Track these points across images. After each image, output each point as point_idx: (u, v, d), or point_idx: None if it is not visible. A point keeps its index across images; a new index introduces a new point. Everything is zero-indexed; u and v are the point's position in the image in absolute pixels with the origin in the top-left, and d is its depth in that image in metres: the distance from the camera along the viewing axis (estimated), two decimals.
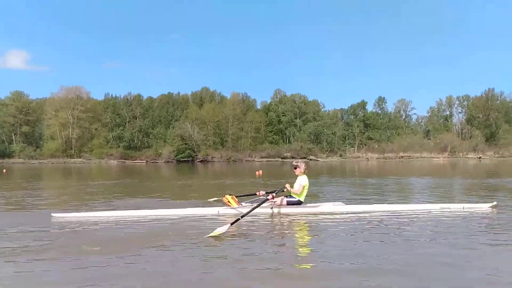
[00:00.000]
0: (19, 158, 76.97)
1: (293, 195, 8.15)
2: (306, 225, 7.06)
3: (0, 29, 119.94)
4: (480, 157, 73.09)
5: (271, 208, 7.93)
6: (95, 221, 7.36)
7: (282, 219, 7.57)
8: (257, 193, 8.55)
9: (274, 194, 7.88)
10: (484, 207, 8.36)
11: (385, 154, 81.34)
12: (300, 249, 5.50)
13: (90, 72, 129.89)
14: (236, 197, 8.28)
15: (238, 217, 6.58)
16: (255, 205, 7.48)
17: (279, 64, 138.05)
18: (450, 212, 8.01)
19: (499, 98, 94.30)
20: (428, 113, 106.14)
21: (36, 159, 76.62)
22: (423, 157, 75.91)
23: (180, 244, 5.50)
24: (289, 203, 8.06)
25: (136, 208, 8.60)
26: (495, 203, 8.44)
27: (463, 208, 8.33)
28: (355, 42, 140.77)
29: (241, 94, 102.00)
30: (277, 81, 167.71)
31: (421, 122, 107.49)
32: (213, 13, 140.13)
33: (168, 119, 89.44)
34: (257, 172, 26.28)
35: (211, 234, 5.85)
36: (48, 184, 20.48)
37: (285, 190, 8.13)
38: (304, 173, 8.36)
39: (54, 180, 24.73)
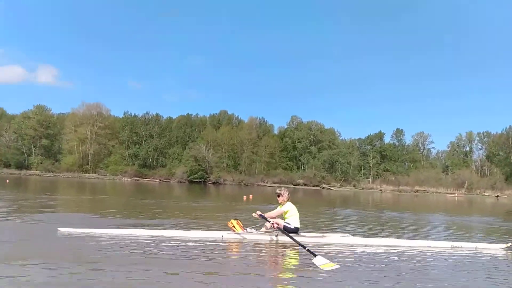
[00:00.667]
0: (37, 170, 78.66)
1: (287, 222, 8.04)
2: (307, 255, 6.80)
3: (32, 45, 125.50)
4: (498, 196, 71.06)
5: (276, 235, 7.86)
6: (99, 237, 7.44)
7: (283, 248, 7.43)
8: (253, 214, 8.27)
9: (263, 216, 7.91)
10: (498, 248, 7.98)
11: (400, 187, 79.79)
12: (295, 281, 5.24)
13: (112, 89, 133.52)
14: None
15: (306, 248, 6.48)
16: (262, 231, 7.76)
17: (297, 93, 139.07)
18: (461, 251, 7.66)
19: None
20: (448, 148, 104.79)
21: (52, 172, 78.10)
22: (439, 192, 74.15)
23: (175, 266, 5.51)
24: (285, 229, 7.90)
25: (141, 227, 8.68)
26: (510, 244, 8.02)
27: (476, 247, 7.98)
28: (374, 73, 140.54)
29: (258, 119, 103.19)
30: (295, 108, 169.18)
31: (441, 156, 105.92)
32: (235, 40, 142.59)
33: (185, 140, 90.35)
34: (244, 197, 26.18)
35: (325, 268, 5.63)
36: (58, 198, 20.80)
37: (259, 216, 8.04)
38: (287, 200, 8.31)
39: (63, 193, 25.19)
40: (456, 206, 35.00)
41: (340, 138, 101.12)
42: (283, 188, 8.69)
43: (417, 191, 76.61)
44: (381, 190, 76.59)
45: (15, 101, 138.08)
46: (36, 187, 31.68)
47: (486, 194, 74.22)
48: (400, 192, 75.42)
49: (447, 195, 68.24)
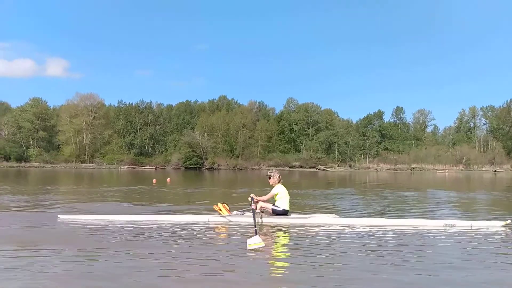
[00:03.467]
0: (36, 162, 79.88)
1: (277, 205, 8.07)
2: (291, 236, 6.75)
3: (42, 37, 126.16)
4: (495, 170, 69.79)
5: (261, 217, 7.80)
6: (97, 223, 7.72)
7: (268, 229, 7.32)
8: (249, 198, 8.04)
9: (254, 200, 7.84)
10: (496, 225, 7.35)
11: (397, 166, 78.92)
12: (276, 262, 5.19)
13: (120, 79, 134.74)
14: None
15: (255, 228, 6.31)
16: (249, 213, 7.61)
17: (294, 73, 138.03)
18: (454, 230, 7.14)
19: None
20: (455, 124, 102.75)
21: (51, 164, 79.21)
22: (436, 170, 73.09)
23: (158, 249, 5.57)
24: (274, 212, 7.99)
25: (134, 213, 8.98)
26: (509, 221, 7.33)
27: (471, 226, 7.36)
28: (374, 54, 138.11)
29: (257, 103, 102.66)
30: (293, 91, 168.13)
31: (449, 133, 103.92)
32: (238, 28, 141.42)
33: (185, 127, 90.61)
34: (154, 180, 26.17)
35: (252, 248, 5.57)
36: (55, 187, 20.95)
37: (250, 199, 7.96)
38: (279, 182, 8.31)
39: (61, 183, 25.49)
40: (449, 182, 34.27)
41: (340, 118, 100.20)
42: (273, 170, 8.73)
43: (413, 168, 75.70)
44: (376, 169, 75.83)
45: (24, 94, 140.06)
46: (34, 178, 32.45)
47: (483, 169, 72.97)
48: (396, 170, 74.59)
49: (437, 171, 67.16)
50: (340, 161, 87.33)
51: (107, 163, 79.61)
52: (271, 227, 7.45)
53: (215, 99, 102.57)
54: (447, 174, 56.96)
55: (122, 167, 76.73)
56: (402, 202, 13.94)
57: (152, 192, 17.19)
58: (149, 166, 80.00)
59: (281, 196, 8.08)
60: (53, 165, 77.87)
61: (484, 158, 77.27)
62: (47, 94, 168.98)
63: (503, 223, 7.30)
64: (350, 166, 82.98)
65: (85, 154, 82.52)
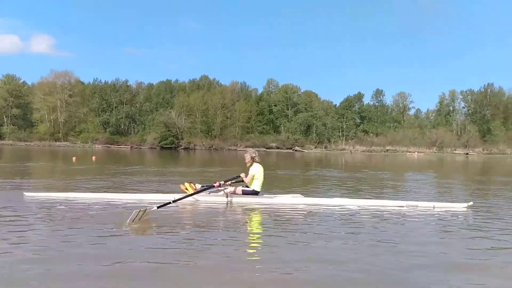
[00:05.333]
0: (9, 140, 78.62)
1: (248, 185, 8.09)
2: (258, 216, 6.89)
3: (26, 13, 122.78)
4: (467, 153, 70.66)
5: (226, 197, 7.73)
6: (63, 201, 7.49)
7: (235, 209, 7.34)
8: (215, 184, 7.94)
9: (222, 182, 7.82)
10: (459, 207, 7.35)
11: (372, 147, 79.45)
12: (245, 239, 5.22)
13: (109, 57, 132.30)
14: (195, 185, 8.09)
15: (169, 201, 6.43)
16: (213, 190, 7.71)
17: (276, 53, 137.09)
18: (417, 210, 7.15)
19: (498, 93, 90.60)
20: (437, 107, 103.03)
21: (25, 141, 78.05)
22: (409, 152, 73.71)
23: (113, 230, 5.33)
24: (244, 193, 7.95)
25: (104, 191, 8.91)
26: (471, 203, 7.33)
27: (433, 207, 7.37)
28: (357, 34, 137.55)
29: (239, 83, 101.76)
30: (274, 71, 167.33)
31: (431, 116, 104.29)
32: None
33: (164, 106, 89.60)
34: (74, 158, 25.84)
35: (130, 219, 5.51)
36: (26, 165, 20.55)
37: (239, 179, 8.07)
38: (253, 162, 8.19)
39: (31, 161, 25.08)
40: (420, 164, 34.63)
41: (322, 99, 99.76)
42: (248, 150, 8.73)
43: (387, 150, 76.26)
44: (350, 151, 76.28)
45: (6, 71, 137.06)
46: (5, 156, 31.93)
47: (456, 152, 73.81)
48: (371, 152, 75.11)
49: (407, 154, 67.74)
50: (318, 143, 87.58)
51: (82, 141, 78.76)
52: (239, 205, 7.50)
53: (196, 78, 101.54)
54: (416, 156, 57.45)
55: (96, 146, 76.05)
56: (372, 183, 14.09)
57: (67, 170, 17.02)
58: (125, 145, 79.41)
59: (256, 178, 8.06)
60: (27, 143, 76.77)
61: (458, 141, 78.03)
62: (30, 71, 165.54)
63: (465, 204, 7.33)
64: (325, 147, 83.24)
65: (59, 132, 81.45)
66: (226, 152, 69.46)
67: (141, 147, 77.97)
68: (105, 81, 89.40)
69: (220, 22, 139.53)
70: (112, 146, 77.80)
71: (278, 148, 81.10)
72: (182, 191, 7.89)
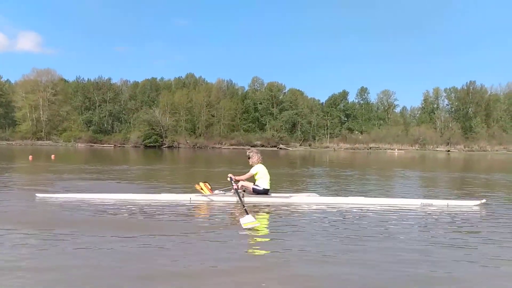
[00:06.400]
0: None
1: (257, 184, 8.06)
2: (275, 215, 6.75)
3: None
4: (449, 151, 71.50)
5: (242, 196, 7.54)
6: (76, 202, 7.49)
7: (251, 209, 7.06)
8: (228, 178, 7.95)
9: (233, 179, 7.79)
10: (472, 205, 7.55)
11: (355, 145, 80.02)
12: (262, 239, 5.17)
13: (98, 55, 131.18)
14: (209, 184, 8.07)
15: (244, 208, 6.32)
16: (230, 193, 7.77)
17: (262, 51, 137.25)
18: (432, 209, 7.29)
19: (480, 91, 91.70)
20: (422, 105, 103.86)
21: (6, 140, 77.14)
22: (392, 149, 74.40)
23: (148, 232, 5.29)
24: (254, 191, 7.97)
25: (114, 192, 8.68)
26: (484, 200, 7.60)
27: (447, 205, 7.54)
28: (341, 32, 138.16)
29: (226, 81, 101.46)
30: (260, 69, 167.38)
31: (417, 114, 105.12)
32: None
33: (149, 104, 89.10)
34: (30, 157, 25.52)
35: (247, 227, 5.45)
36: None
37: (229, 179, 7.90)
38: (258, 162, 8.24)
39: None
40: (406, 162, 34.69)
41: (309, 97, 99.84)
42: (253, 150, 8.67)
43: (370, 148, 76.82)
44: (334, 149, 76.72)
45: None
46: None
47: (438, 149, 74.62)
48: (354, 150, 75.61)
49: (387, 151, 68.37)
50: (303, 141, 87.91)
51: (64, 140, 78.05)
52: (253, 206, 7.39)
53: (181, 76, 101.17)
54: (396, 153, 57.96)
55: (79, 145, 75.44)
56: (376, 181, 14.18)
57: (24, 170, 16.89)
58: (108, 144, 78.87)
59: (261, 176, 8.07)
60: (8, 142, 75.88)
61: (440, 139, 78.89)
62: (15, 69, 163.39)
63: (478, 202, 7.55)
64: (309, 145, 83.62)
65: (42, 131, 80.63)
66: (210, 150, 69.34)
67: (124, 145, 77.51)
68: (88, 79, 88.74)
69: (209, 18, 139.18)
70: (95, 145, 77.21)
71: (263, 146, 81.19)
72: (197, 192, 7.93)
